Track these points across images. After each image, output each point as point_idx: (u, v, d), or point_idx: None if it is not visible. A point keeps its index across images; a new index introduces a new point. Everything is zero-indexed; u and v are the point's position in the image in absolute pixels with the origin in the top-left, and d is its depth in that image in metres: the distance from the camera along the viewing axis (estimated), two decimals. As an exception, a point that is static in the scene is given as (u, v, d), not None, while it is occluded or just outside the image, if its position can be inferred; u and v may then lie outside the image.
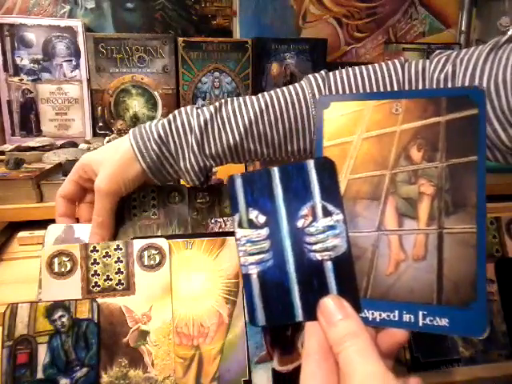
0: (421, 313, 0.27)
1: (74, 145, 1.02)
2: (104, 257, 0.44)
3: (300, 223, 0.27)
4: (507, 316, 0.49)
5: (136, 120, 1.19)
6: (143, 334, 0.43)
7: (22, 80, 1.12)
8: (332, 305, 0.26)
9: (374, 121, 0.30)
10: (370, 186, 0.30)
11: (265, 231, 0.28)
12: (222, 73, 1.21)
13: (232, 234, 0.47)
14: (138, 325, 0.43)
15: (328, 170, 0.27)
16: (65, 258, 0.44)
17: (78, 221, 0.52)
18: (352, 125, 0.31)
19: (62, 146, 1.00)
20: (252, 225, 0.28)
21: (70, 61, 1.14)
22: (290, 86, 0.49)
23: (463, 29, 1.39)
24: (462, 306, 0.26)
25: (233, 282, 0.45)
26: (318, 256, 0.27)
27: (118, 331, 0.42)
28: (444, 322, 0.26)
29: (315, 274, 0.27)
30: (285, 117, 0.47)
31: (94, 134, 1.16)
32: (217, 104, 0.49)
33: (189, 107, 0.49)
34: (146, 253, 0.45)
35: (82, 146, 1.01)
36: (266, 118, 0.47)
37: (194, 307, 0.45)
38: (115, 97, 1.17)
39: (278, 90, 0.49)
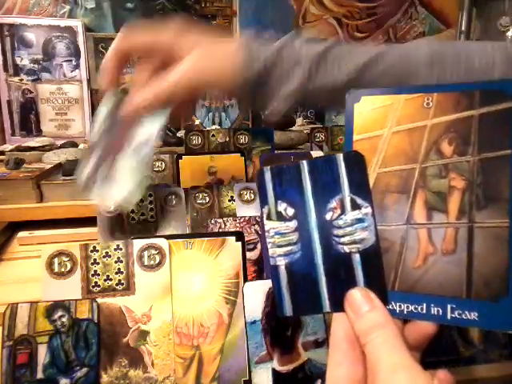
0: (449, 306, 0.27)
1: (74, 145, 1.02)
2: (104, 257, 0.44)
3: (328, 216, 0.28)
4: (507, 316, 0.49)
5: (136, 120, 1.19)
6: (143, 334, 0.43)
7: (22, 80, 1.12)
8: (359, 296, 0.26)
9: (405, 114, 0.30)
10: (399, 180, 0.30)
11: (293, 223, 0.28)
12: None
13: (231, 234, 0.47)
14: (137, 325, 0.43)
15: (357, 164, 0.27)
16: (65, 258, 0.44)
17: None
18: (382, 118, 0.31)
19: (62, 146, 1.00)
20: (281, 217, 0.28)
21: (70, 61, 1.14)
22: (409, 43, 0.48)
23: (463, 29, 1.39)
24: (491, 300, 0.26)
25: (233, 282, 0.45)
26: (346, 248, 0.27)
27: (117, 331, 0.42)
28: (473, 315, 0.26)
29: (343, 266, 0.27)
30: (397, 68, 0.45)
31: (94, 134, 1.16)
32: (328, 42, 0.46)
33: (298, 40, 0.46)
34: (146, 253, 0.45)
35: (82, 145, 1.01)
36: (380, 66, 0.45)
37: (194, 307, 0.45)
38: (115, 97, 1.17)
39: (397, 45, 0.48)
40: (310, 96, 0.46)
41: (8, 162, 0.81)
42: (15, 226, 0.70)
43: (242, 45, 0.44)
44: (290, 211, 0.28)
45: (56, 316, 0.41)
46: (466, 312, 0.26)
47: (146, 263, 0.45)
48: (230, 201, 0.59)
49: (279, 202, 0.28)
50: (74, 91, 1.15)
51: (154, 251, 0.45)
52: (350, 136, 0.31)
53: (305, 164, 0.28)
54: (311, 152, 0.76)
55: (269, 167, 0.29)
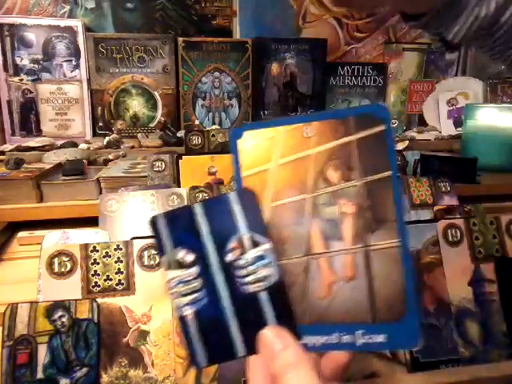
0: (358, 332, 0.27)
1: (74, 145, 1.02)
2: (104, 257, 0.44)
3: (229, 257, 0.27)
4: (507, 316, 0.49)
5: (136, 120, 1.19)
6: (143, 334, 0.43)
7: (22, 80, 1.12)
8: (271, 335, 0.26)
9: (288, 146, 0.31)
10: (292, 212, 0.30)
11: (195, 269, 0.27)
12: (222, 73, 1.21)
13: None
14: (137, 325, 0.43)
15: (250, 201, 0.27)
16: (65, 258, 0.44)
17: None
18: (267, 152, 0.31)
19: (62, 146, 1.00)
20: (181, 265, 0.27)
21: (70, 61, 1.14)
22: None
23: (463, 29, 1.39)
24: (395, 321, 0.26)
25: (233, 282, 0.45)
26: (251, 288, 0.27)
27: (118, 331, 0.42)
28: (381, 338, 0.26)
29: (251, 307, 0.27)
30: None
31: (94, 134, 1.16)
32: None
33: None
34: (145, 253, 0.45)
35: (82, 145, 1.01)
36: None
37: (194, 307, 0.45)
38: (115, 97, 1.17)
39: None
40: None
41: (8, 162, 0.81)
42: (15, 226, 0.70)
43: None
44: (190, 257, 0.27)
45: (56, 316, 0.41)
46: (374, 336, 0.26)
47: (145, 263, 0.45)
48: (230, 201, 0.59)
49: (178, 248, 0.27)
50: (74, 91, 1.15)
51: (154, 251, 0.45)
52: (239, 173, 0.31)
53: (198, 206, 0.27)
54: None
55: (162, 214, 0.28)
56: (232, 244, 0.27)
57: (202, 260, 0.27)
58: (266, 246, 0.27)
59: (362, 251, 0.28)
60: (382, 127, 0.28)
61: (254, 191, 0.27)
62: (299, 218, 0.30)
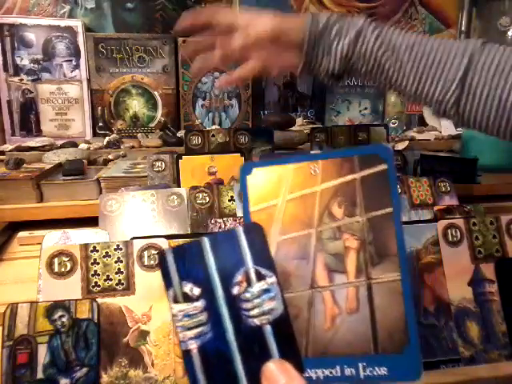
0: (361, 365, 0.27)
1: (74, 145, 1.02)
2: (104, 257, 0.44)
3: (235, 290, 0.27)
4: (507, 316, 0.49)
5: (136, 120, 1.19)
6: (143, 334, 0.43)
7: (22, 80, 1.12)
8: (275, 369, 0.25)
9: (296, 183, 0.32)
10: (298, 246, 0.31)
11: (201, 303, 0.27)
12: (222, 73, 1.21)
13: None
14: (137, 325, 0.43)
15: (257, 235, 0.28)
16: (65, 258, 0.44)
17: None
18: (275, 188, 0.32)
19: (62, 146, 1.00)
20: (187, 298, 0.28)
21: (70, 61, 1.14)
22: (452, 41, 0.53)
23: (463, 29, 1.39)
24: (397, 352, 0.27)
25: (233, 282, 0.45)
26: (257, 321, 0.27)
27: (118, 331, 0.42)
28: (383, 370, 0.27)
29: (256, 340, 0.27)
30: (431, 56, 0.51)
31: (94, 134, 1.16)
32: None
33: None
34: (145, 253, 0.45)
35: (82, 145, 1.01)
36: (417, 48, 0.52)
37: (194, 307, 0.45)
38: (115, 97, 1.17)
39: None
40: (355, 58, 0.55)
41: (8, 162, 0.81)
42: (15, 226, 0.70)
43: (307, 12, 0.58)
44: (196, 291, 0.27)
45: (56, 316, 0.41)
46: (376, 368, 0.27)
47: (146, 263, 0.45)
48: (229, 201, 0.59)
49: (184, 282, 0.28)
50: (74, 91, 1.15)
51: (153, 251, 0.45)
52: (247, 207, 0.32)
53: (206, 240, 0.28)
54: (311, 152, 0.76)
55: (170, 248, 0.28)
56: (238, 278, 0.27)
57: (208, 293, 0.27)
58: (271, 280, 0.27)
59: (365, 284, 0.29)
60: (384, 166, 0.29)
61: (261, 226, 0.28)
62: (304, 251, 0.31)
